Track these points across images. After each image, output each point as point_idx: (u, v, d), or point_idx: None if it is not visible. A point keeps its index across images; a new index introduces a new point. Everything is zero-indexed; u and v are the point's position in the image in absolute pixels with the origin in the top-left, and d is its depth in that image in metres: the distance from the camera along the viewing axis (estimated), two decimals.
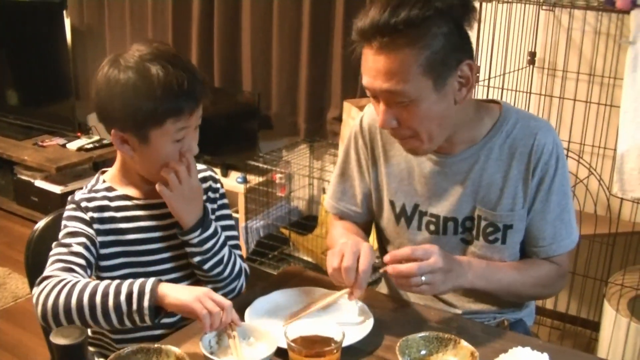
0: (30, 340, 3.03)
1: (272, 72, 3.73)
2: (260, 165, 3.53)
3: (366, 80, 1.51)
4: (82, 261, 1.51)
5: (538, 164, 1.62)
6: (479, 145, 1.64)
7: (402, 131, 1.55)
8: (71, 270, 1.48)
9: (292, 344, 1.30)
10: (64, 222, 1.57)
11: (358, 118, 1.80)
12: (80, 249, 1.52)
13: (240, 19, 3.77)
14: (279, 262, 3.66)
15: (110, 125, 1.54)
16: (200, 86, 1.51)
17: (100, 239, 1.57)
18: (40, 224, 1.77)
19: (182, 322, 1.62)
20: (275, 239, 3.68)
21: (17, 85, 4.79)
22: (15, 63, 4.71)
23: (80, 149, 4.34)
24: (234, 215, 1.99)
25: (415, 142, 1.57)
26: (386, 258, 1.50)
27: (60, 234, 1.56)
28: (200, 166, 1.72)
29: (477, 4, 2.60)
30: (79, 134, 4.50)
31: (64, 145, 4.42)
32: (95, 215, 1.57)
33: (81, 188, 1.63)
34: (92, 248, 1.54)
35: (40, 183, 4.31)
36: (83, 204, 1.57)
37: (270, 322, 1.50)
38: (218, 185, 1.74)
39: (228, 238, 1.69)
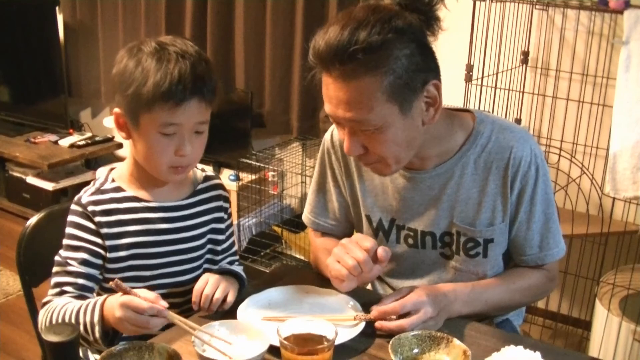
0: (21, 337, 3.02)
1: (265, 71, 3.73)
2: (253, 163, 3.52)
3: (328, 108, 1.44)
4: (77, 280, 1.52)
5: (516, 176, 1.58)
6: (453, 160, 1.60)
7: (369, 157, 1.50)
8: (63, 292, 1.52)
9: (285, 342, 1.30)
10: (67, 228, 1.55)
11: (329, 132, 1.75)
12: (76, 268, 1.52)
13: (233, 16, 3.76)
14: (271, 259, 3.66)
15: (114, 103, 1.52)
16: (202, 85, 1.47)
17: (109, 243, 1.54)
18: (32, 220, 1.76)
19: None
20: (268, 236, 3.68)
21: (9, 82, 4.77)
22: (7, 59, 4.68)
23: (72, 146, 4.32)
24: None
25: (382, 165, 1.52)
26: (373, 313, 1.46)
27: (64, 241, 1.55)
28: (209, 171, 1.72)
29: (470, 3, 2.61)
30: (71, 131, 4.48)
31: (56, 142, 4.40)
32: (103, 219, 1.54)
33: (88, 183, 1.61)
34: (94, 260, 1.53)
35: (32, 180, 4.29)
36: (90, 208, 1.54)
37: (263, 320, 1.50)
38: (227, 205, 1.72)
39: (232, 254, 1.75)
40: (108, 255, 1.55)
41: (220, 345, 1.36)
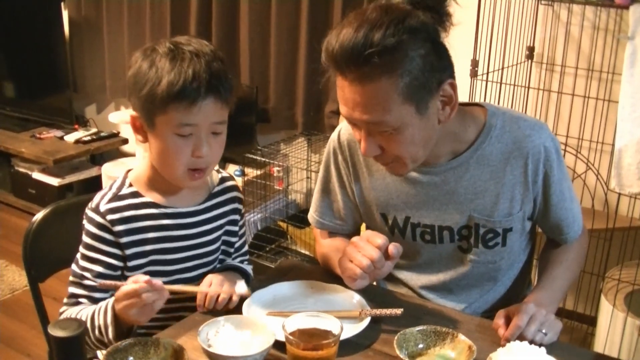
0: (27, 333, 3.03)
1: (270, 66, 3.73)
2: (258, 158, 3.52)
3: (344, 110, 1.44)
4: (92, 294, 1.52)
5: (539, 165, 1.59)
6: (467, 153, 1.60)
7: (386, 157, 1.50)
8: (78, 303, 1.53)
9: (290, 337, 1.30)
10: (85, 237, 1.53)
11: (335, 132, 1.74)
12: (92, 282, 1.51)
13: (238, 11, 3.76)
14: (277, 255, 3.66)
15: (131, 106, 1.51)
16: (218, 84, 1.45)
17: (128, 251, 1.53)
18: (38, 216, 1.76)
19: (176, 312, 1.61)
20: (273, 232, 3.68)
21: (14, 77, 4.78)
22: (12, 55, 4.69)
23: (77, 141, 4.32)
24: None
25: (398, 165, 1.52)
26: (503, 340, 1.41)
27: (81, 249, 1.53)
28: (223, 172, 1.70)
29: None
30: (76, 127, 4.49)
31: (61, 138, 4.40)
32: (122, 228, 1.51)
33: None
34: (110, 272, 1.52)
35: (37, 175, 4.31)
36: (109, 217, 1.50)
37: (268, 315, 1.51)
38: (241, 206, 1.72)
39: (243, 254, 1.75)
40: (128, 264, 1.54)
41: (227, 340, 1.37)
